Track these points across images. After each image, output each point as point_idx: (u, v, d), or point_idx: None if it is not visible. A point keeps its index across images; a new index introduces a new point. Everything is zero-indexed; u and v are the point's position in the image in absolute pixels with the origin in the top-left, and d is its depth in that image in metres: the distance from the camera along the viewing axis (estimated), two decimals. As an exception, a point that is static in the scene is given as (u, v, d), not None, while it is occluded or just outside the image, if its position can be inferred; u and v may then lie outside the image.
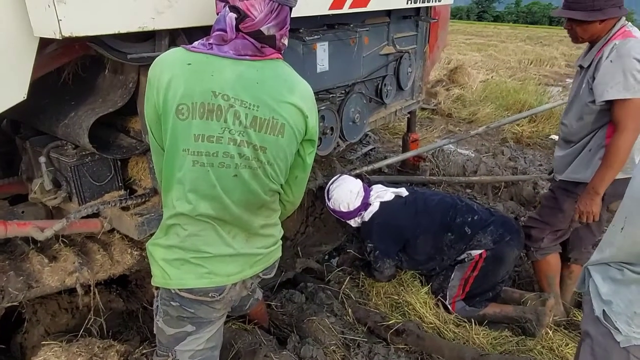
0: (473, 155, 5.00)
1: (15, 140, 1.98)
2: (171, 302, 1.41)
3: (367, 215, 2.61)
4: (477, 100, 7.30)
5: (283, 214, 1.59)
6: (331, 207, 2.69)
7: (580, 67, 2.28)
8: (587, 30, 2.14)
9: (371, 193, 2.67)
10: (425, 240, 2.57)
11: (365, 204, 2.62)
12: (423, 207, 2.60)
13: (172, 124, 1.21)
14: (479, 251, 2.47)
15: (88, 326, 1.93)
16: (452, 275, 2.53)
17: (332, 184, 2.74)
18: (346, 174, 2.91)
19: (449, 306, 2.52)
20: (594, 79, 2.12)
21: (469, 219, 2.52)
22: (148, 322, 2.18)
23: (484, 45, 17.06)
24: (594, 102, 2.14)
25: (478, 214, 2.55)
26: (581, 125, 2.25)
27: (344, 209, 2.63)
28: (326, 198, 2.73)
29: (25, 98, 1.35)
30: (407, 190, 2.70)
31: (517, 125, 5.80)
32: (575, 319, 2.54)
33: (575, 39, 2.23)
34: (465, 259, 2.51)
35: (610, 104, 2.07)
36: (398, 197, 2.65)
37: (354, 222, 2.68)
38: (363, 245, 2.73)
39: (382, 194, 2.65)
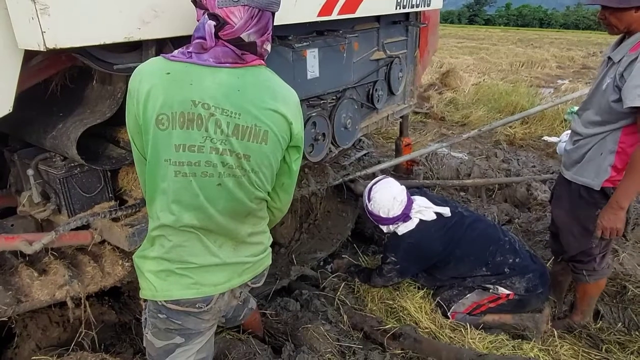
0: (466, 158, 5.01)
1: (3, 153, 1.96)
2: (158, 315, 1.39)
3: (402, 229, 2.48)
4: (469, 103, 7.34)
5: (272, 221, 1.57)
6: (369, 208, 2.56)
7: (609, 58, 2.08)
8: (622, 20, 1.96)
9: (413, 206, 2.51)
10: (455, 267, 2.49)
11: (405, 215, 2.47)
12: (462, 235, 2.46)
13: (152, 134, 1.20)
14: (508, 292, 2.41)
15: (79, 340, 1.91)
16: (468, 296, 2.47)
17: (375, 185, 2.60)
18: (389, 178, 2.72)
19: (448, 315, 2.49)
20: (621, 76, 1.95)
21: (510, 260, 2.42)
22: (141, 334, 2.12)
23: (475, 48, 17.18)
24: (617, 101, 1.97)
25: (520, 256, 2.44)
26: (596, 121, 2.10)
27: (383, 214, 2.49)
28: (366, 198, 2.60)
29: (11, 111, 1.34)
30: (451, 211, 2.51)
31: (510, 127, 5.83)
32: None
33: (611, 29, 2.04)
34: (490, 290, 2.44)
35: (637, 110, 1.90)
36: (439, 217, 2.49)
37: (386, 229, 2.56)
38: (383, 254, 2.62)
39: (424, 211, 2.49)
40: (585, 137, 2.16)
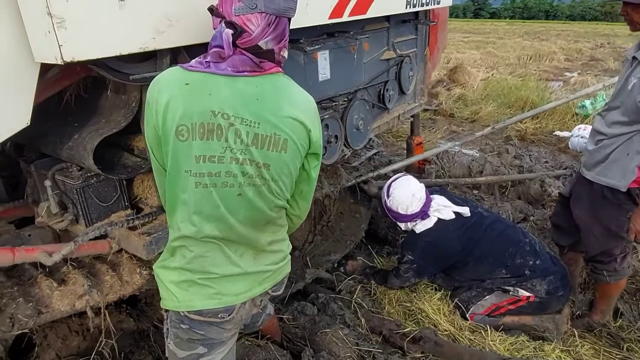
0: (478, 155, 4.96)
1: (20, 164, 1.97)
2: (181, 325, 1.39)
3: (420, 227, 2.47)
4: (478, 99, 7.27)
5: (290, 228, 1.56)
6: (388, 204, 2.56)
7: (634, 58, 2.04)
8: None
9: (432, 204, 2.50)
10: (474, 268, 2.46)
11: (423, 212, 2.46)
12: (480, 236, 2.44)
13: (172, 145, 1.19)
14: (528, 294, 2.38)
15: (99, 349, 1.91)
16: (487, 297, 2.44)
17: (394, 181, 2.60)
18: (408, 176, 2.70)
19: (467, 316, 2.46)
20: None
21: (531, 262, 2.39)
22: (159, 342, 2.16)
23: (482, 42, 17.05)
24: None
25: (541, 258, 2.41)
26: (623, 121, 2.06)
27: (401, 211, 2.48)
28: (385, 194, 2.59)
29: (29, 124, 1.34)
30: (470, 211, 2.49)
31: (521, 122, 5.75)
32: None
33: (633, 26, 2.02)
34: (510, 292, 2.42)
35: None
36: (458, 217, 2.48)
37: (404, 226, 2.55)
38: (400, 253, 2.61)
39: (443, 210, 2.48)
40: (609, 137, 2.12)
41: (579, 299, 2.68)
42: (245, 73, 1.21)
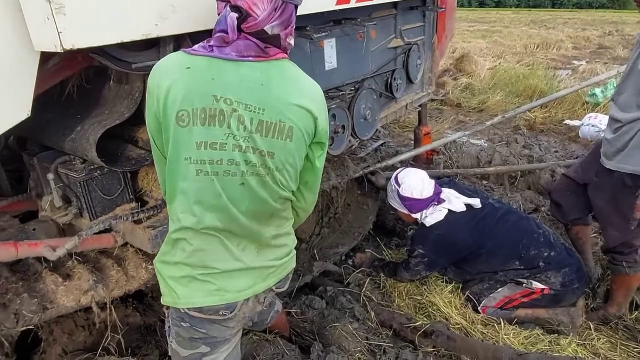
0: (486, 145, 4.89)
1: (23, 157, 1.93)
2: (182, 323, 1.35)
3: (431, 220, 2.40)
4: (486, 89, 7.16)
5: (296, 222, 1.51)
6: (401, 194, 2.46)
7: None
8: None
9: (442, 195, 2.44)
10: (487, 261, 2.41)
11: (437, 196, 2.41)
12: (493, 228, 2.38)
13: (173, 131, 1.15)
14: (543, 287, 2.32)
15: (106, 344, 1.88)
16: (500, 290, 2.38)
17: (399, 173, 2.56)
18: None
19: (479, 309, 2.41)
20: None
21: (546, 254, 2.33)
22: (166, 336, 2.13)
23: (488, 31, 16.81)
24: None
25: (556, 250, 2.34)
26: (636, 104, 2.01)
27: (417, 195, 2.40)
28: (395, 186, 2.52)
29: (30, 115, 1.30)
30: (482, 202, 2.42)
31: (530, 112, 5.65)
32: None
33: None
34: (524, 285, 2.36)
35: None
36: (469, 209, 2.41)
37: (419, 216, 2.46)
38: (410, 246, 2.55)
39: (454, 201, 2.41)
40: (626, 124, 2.06)
41: (598, 274, 2.61)
42: (250, 58, 1.16)
